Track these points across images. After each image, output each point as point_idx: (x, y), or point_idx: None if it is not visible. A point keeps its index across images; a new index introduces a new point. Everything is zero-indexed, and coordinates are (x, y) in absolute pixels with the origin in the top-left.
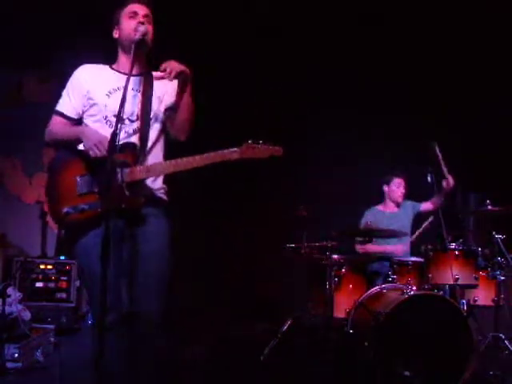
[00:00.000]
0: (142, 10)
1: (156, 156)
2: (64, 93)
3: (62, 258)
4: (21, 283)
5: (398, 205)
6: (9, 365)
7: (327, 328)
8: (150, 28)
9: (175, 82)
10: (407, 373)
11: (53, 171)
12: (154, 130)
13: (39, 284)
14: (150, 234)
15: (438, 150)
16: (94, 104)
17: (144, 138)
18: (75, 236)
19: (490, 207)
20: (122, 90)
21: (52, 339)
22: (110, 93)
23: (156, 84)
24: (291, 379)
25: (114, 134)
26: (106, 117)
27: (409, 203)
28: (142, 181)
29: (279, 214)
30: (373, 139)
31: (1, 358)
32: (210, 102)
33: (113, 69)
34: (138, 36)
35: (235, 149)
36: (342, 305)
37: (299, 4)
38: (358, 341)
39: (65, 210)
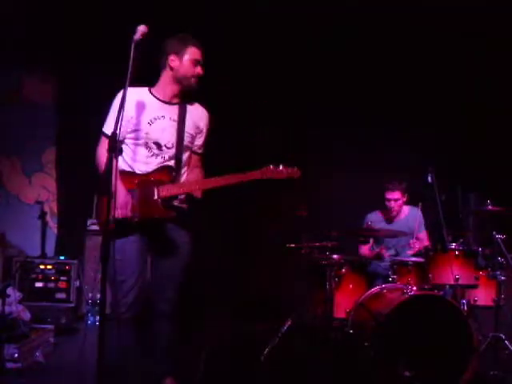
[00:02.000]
0: (202, 59)
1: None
2: (111, 114)
3: (62, 258)
4: (20, 283)
5: (391, 218)
6: (8, 365)
7: (327, 328)
8: None
9: (206, 115)
10: (407, 373)
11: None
12: (186, 155)
13: (39, 284)
14: (173, 242)
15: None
16: (137, 130)
17: (178, 162)
18: (116, 237)
19: (490, 207)
20: (161, 120)
21: (52, 339)
22: (152, 122)
23: (189, 112)
24: (291, 379)
25: (114, 134)
26: (147, 143)
27: (419, 214)
28: (175, 196)
29: (279, 213)
30: (373, 139)
31: (0, 359)
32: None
33: (153, 95)
34: (194, 84)
35: (258, 171)
36: (342, 305)
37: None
38: (358, 341)
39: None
